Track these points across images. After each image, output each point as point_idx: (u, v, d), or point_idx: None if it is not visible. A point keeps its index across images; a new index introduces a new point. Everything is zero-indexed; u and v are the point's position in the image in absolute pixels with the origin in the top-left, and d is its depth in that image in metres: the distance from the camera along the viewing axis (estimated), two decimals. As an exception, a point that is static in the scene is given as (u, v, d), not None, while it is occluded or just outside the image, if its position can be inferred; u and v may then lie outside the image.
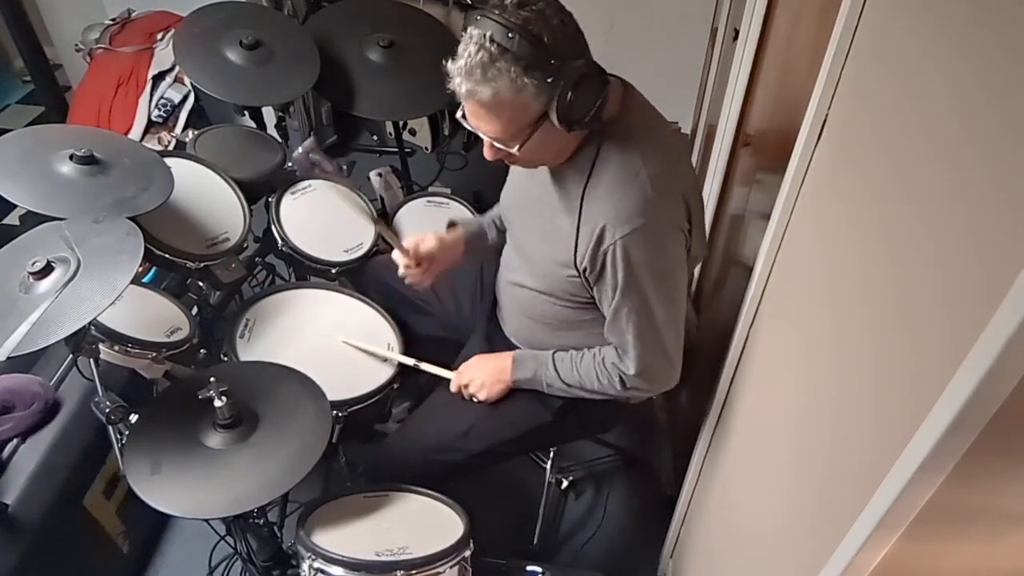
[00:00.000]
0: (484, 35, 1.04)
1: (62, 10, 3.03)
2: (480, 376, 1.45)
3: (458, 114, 1.19)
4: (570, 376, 1.38)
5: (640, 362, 1.28)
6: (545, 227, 1.29)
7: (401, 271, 1.50)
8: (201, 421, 1.21)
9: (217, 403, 1.17)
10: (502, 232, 1.59)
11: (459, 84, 1.09)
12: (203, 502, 1.16)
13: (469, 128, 1.17)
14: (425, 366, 1.53)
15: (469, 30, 1.07)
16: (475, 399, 1.46)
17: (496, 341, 1.55)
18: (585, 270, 1.23)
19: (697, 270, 2.12)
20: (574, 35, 1.11)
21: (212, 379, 1.17)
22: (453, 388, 1.49)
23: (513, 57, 1.04)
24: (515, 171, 1.43)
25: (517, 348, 1.52)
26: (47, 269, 1.13)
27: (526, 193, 1.36)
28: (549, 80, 1.06)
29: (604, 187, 1.18)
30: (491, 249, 1.60)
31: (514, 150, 1.15)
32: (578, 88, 1.07)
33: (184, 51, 1.87)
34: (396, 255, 1.50)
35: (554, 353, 1.40)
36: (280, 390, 1.30)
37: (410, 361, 1.54)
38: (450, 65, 1.10)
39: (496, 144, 1.16)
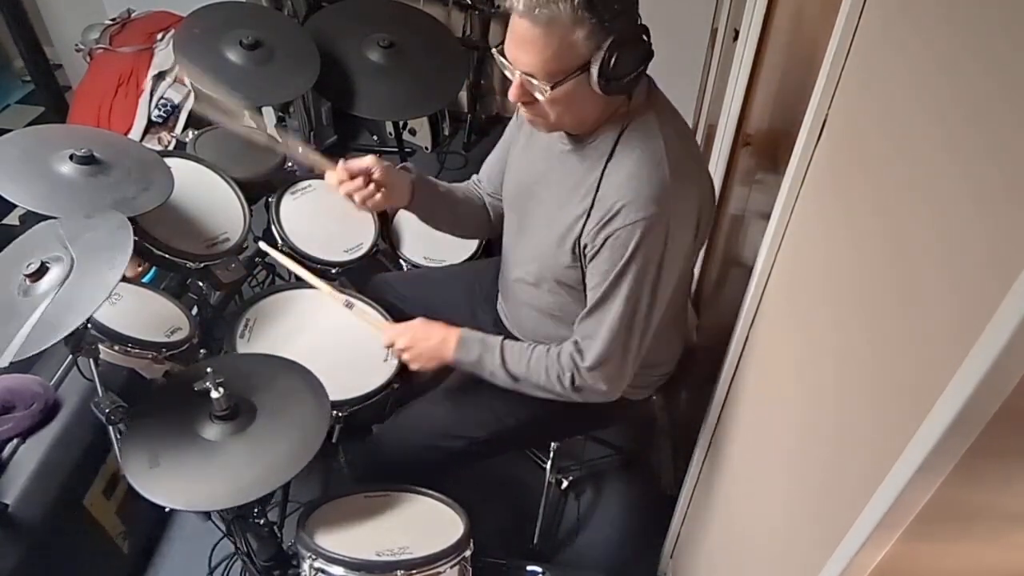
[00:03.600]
0: None
1: (62, 10, 3.03)
2: (419, 345, 1.40)
3: (495, 48, 1.16)
4: (517, 366, 1.32)
5: (602, 355, 1.24)
6: (552, 211, 1.28)
7: (341, 189, 1.41)
8: (199, 413, 1.20)
9: (214, 394, 1.16)
10: (458, 199, 1.56)
11: (517, 1, 1.06)
12: (202, 494, 1.16)
13: (504, 61, 1.13)
14: (359, 305, 1.49)
15: None
16: (403, 360, 1.41)
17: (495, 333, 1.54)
18: (585, 247, 1.22)
19: (697, 270, 2.12)
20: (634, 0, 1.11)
21: (209, 370, 1.17)
22: (384, 342, 1.44)
23: None
24: (524, 159, 1.40)
25: (520, 340, 1.51)
26: (42, 270, 1.13)
27: (537, 179, 1.34)
28: (605, 25, 1.05)
29: (626, 169, 1.17)
30: (441, 200, 1.54)
31: (545, 91, 1.11)
32: (626, 47, 1.07)
33: (184, 51, 1.87)
34: (328, 176, 1.43)
35: (504, 339, 1.36)
36: (277, 381, 1.30)
37: (341, 297, 1.49)
38: None
39: (528, 81, 1.12)
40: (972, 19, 0.64)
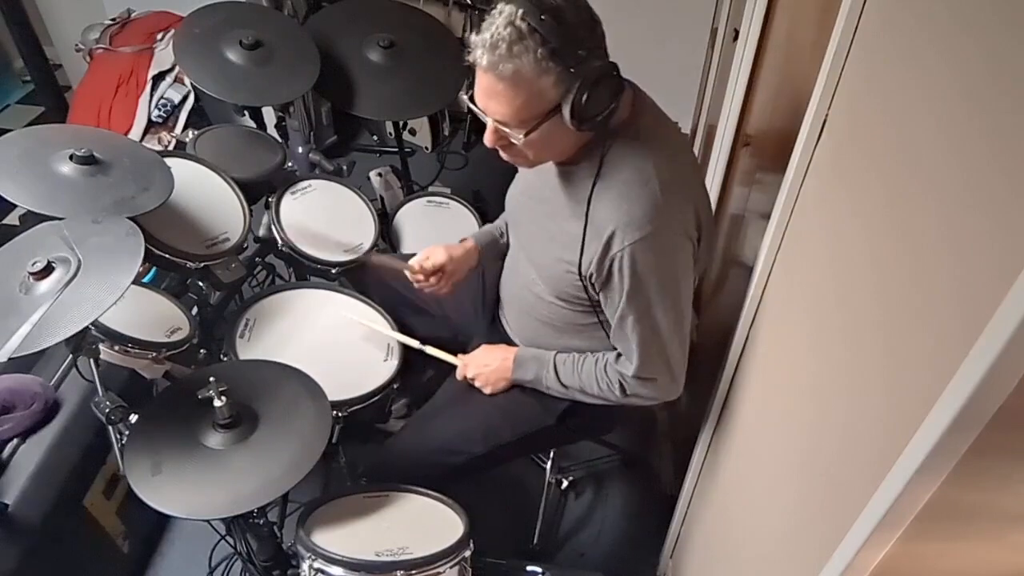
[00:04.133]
0: (516, 12, 1.03)
1: (62, 10, 3.03)
2: (485, 370, 1.45)
3: (466, 96, 1.17)
4: (571, 379, 1.37)
5: (642, 369, 1.28)
6: (550, 228, 1.28)
7: (416, 284, 1.50)
8: (201, 421, 1.21)
9: (217, 403, 1.16)
10: None
11: (480, 56, 1.06)
12: (203, 502, 1.16)
13: (476, 110, 1.14)
14: (431, 350, 1.52)
15: (500, 6, 1.05)
16: (482, 391, 1.46)
17: (499, 342, 1.54)
18: (591, 275, 1.23)
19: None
20: (601, 36, 1.10)
21: (212, 379, 1.17)
22: (459, 376, 1.48)
23: (542, 39, 1.03)
24: (522, 173, 1.42)
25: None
26: (48, 269, 1.13)
27: (532, 194, 1.35)
28: (572, 70, 1.05)
29: (614, 191, 1.17)
30: (504, 253, 1.59)
31: (518, 138, 1.12)
32: (596, 86, 1.07)
33: (184, 51, 1.87)
34: (408, 274, 1.50)
35: (556, 355, 1.40)
36: (280, 390, 1.30)
37: (415, 343, 1.53)
38: (473, 37, 1.07)
39: (501, 129, 1.13)
40: (973, 17, 0.64)
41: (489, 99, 1.11)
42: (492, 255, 1.58)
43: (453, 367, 1.50)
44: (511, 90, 1.07)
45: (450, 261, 1.48)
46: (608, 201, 1.17)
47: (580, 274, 1.24)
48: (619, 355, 1.32)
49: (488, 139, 1.17)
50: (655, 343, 1.25)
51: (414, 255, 1.51)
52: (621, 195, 1.16)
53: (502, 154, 1.21)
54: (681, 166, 1.23)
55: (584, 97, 1.06)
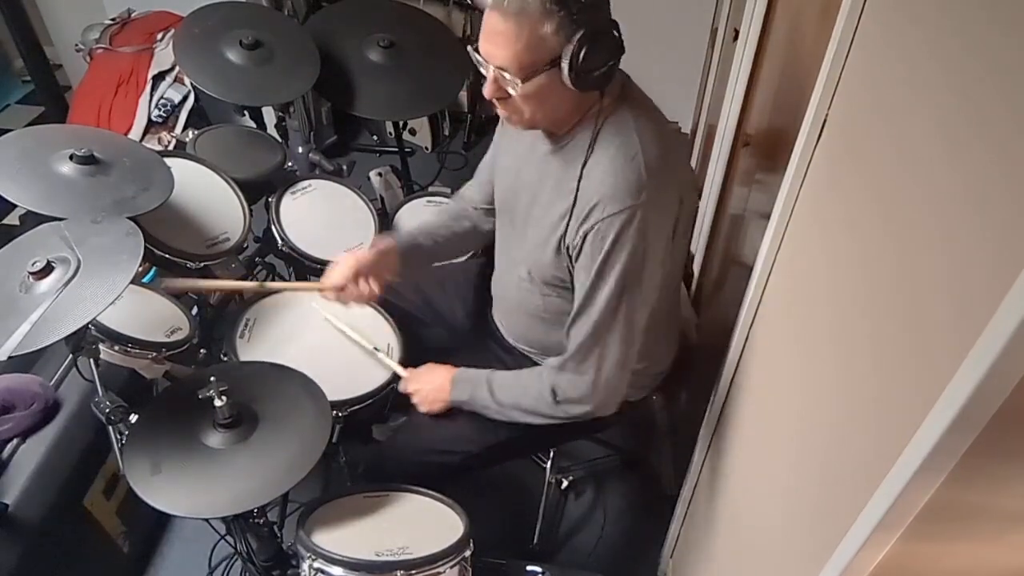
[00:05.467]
0: None
1: (62, 10, 3.03)
2: (424, 388, 1.44)
3: (470, 47, 1.17)
4: (506, 394, 1.35)
5: (575, 358, 1.26)
6: (539, 213, 1.28)
7: (334, 299, 1.40)
8: (201, 421, 1.21)
9: (217, 403, 1.17)
10: (446, 238, 1.54)
11: None
12: (204, 502, 1.16)
13: (478, 59, 1.15)
14: (383, 357, 1.51)
15: None
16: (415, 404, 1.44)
17: (491, 342, 1.54)
18: (568, 247, 1.22)
19: (697, 270, 2.12)
20: None
21: (212, 379, 1.17)
22: (401, 389, 1.47)
23: None
24: (509, 161, 1.40)
25: (514, 347, 1.52)
26: (47, 269, 1.13)
27: (524, 180, 1.34)
28: (575, 17, 1.06)
29: (602, 166, 1.17)
30: (429, 255, 1.54)
31: (516, 85, 1.12)
32: (596, 41, 1.07)
33: (184, 51, 1.87)
34: (318, 298, 1.45)
35: (492, 372, 1.38)
36: (280, 390, 1.30)
37: (368, 345, 1.51)
38: None
39: (500, 76, 1.13)
40: (972, 18, 0.64)
41: (492, 41, 1.12)
42: (413, 261, 1.49)
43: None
44: (514, 30, 1.08)
45: (358, 265, 1.37)
46: (596, 175, 1.18)
47: (565, 246, 1.23)
48: (557, 359, 1.30)
49: (487, 90, 1.18)
50: (603, 329, 1.23)
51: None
52: (607, 170, 1.17)
53: (499, 110, 1.22)
54: (667, 149, 1.23)
55: (583, 50, 1.07)
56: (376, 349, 1.52)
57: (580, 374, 1.27)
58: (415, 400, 1.44)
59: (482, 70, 1.17)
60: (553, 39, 1.08)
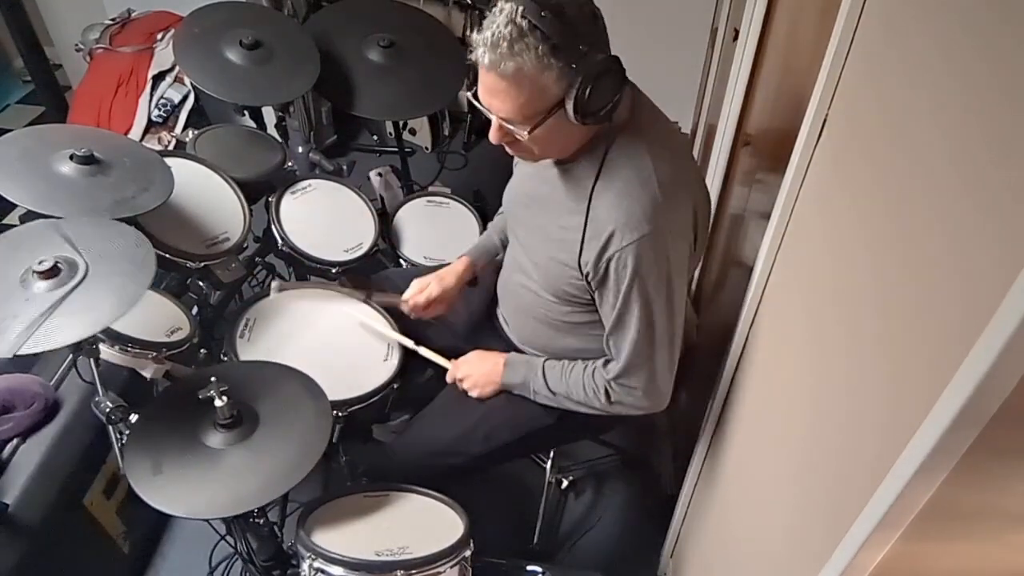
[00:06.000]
0: (516, 9, 1.03)
1: (62, 10, 3.03)
2: (474, 373, 1.45)
3: (469, 93, 1.17)
4: (558, 385, 1.37)
5: (627, 371, 1.28)
6: (549, 227, 1.28)
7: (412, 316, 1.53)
8: (202, 421, 1.21)
9: (217, 403, 1.17)
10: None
11: (482, 55, 1.06)
12: (204, 502, 1.16)
13: (481, 107, 1.15)
14: (424, 351, 1.53)
15: (500, 4, 1.05)
16: (468, 394, 1.47)
17: (497, 343, 1.54)
18: (588, 274, 1.22)
19: (697, 270, 2.12)
20: (602, 30, 1.11)
21: (212, 379, 1.17)
22: (448, 379, 1.49)
23: (543, 35, 1.03)
24: (520, 170, 1.42)
25: (521, 350, 1.52)
26: (54, 270, 1.13)
27: (531, 192, 1.35)
28: (573, 66, 1.05)
29: (614, 191, 1.17)
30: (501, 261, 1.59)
31: (523, 135, 1.12)
32: (599, 81, 1.07)
33: (184, 51, 1.87)
34: (403, 308, 1.53)
35: (545, 360, 1.40)
36: (280, 390, 1.30)
37: (410, 343, 1.54)
38: (475, 35, 1.07)
39: (505, 126, 1.14)
40: (973, 17, 0.64)
41: (492, 97, 1.11)
42: (489, 268, 1.59)
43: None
44: (514, 88, 1.08)
45: (443, 292, 1.51)
46: (608, 200, 1.17)
47: (580, 271, 1.24)
48: (607, 361, 1.31)
49: (493, 136, 1.18)
50: (646, 347, 1.25)
51: (412, 268, 1.50)
52: (621, 193, 1.16)
53: (508, 149, 1.21)
54: (680, 167, 1.23)
55: (587, 92, 1.06)
56: (416, 346, 1.54)
57: (631, 387, 1.30)
58: (466, 385, 1.46)
59: (485, 114, 1.16)
60: (555, 87, 1.08)
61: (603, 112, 1.11)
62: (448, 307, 1.54)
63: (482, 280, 1.66)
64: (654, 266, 1.17)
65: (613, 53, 1.11)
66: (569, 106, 1.08)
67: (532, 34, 1.03)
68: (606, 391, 1.31)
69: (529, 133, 1.12)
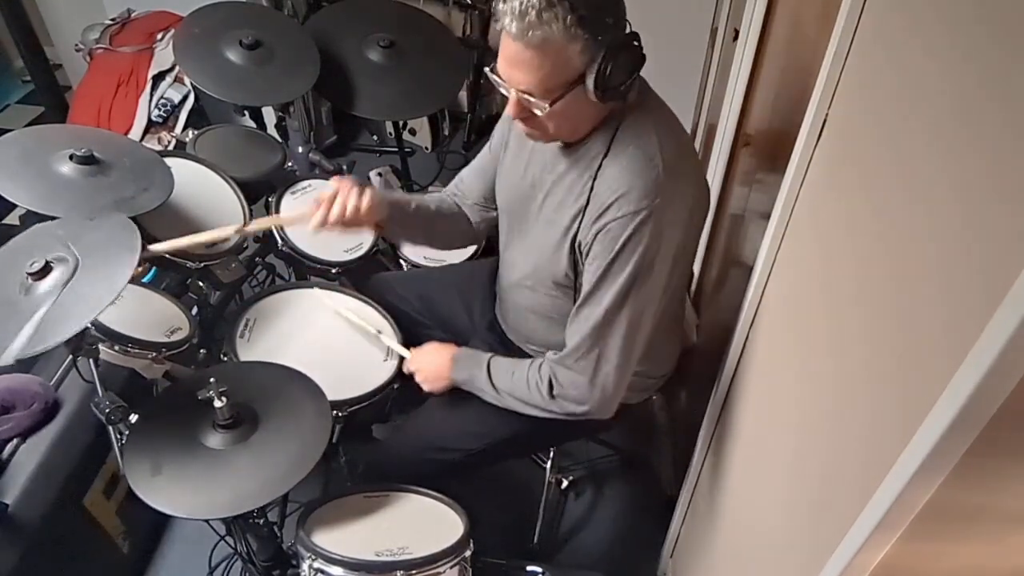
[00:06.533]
0: None
1: (62, 10, 3.03)
2: (425, 367, 1.43)
3: (488, 69, 1.16)
4: (503, 381, 1.34)
5: (577, 353, 1.24)
6: (549, 213, 1.28)
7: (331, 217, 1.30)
8: (201, 421, 1.21)
9: (217, 403, 1.16)
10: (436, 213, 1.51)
11: (509, 23, 1.05)
12: (204, 503, 1.16)
13: (499, 82, 1.14)
14: (386, 339, 1.51)
15: None
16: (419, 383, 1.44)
17: (495, 344, 1.54)
18: (580, 244, 1.22)
19: (697, 270, 2.12)
20: (623, 5, 1.11)
21: (212, 379, 1.17)
22: (404, 369, 1.47)
23: (571, 5, 1.02)
24: (516, 161, 1.39)
25: (519, 348, 1.52)
26: (46, 269, 1.13)
27: (532, 181, 1.33)
28: (599, 39, 1.05)
29: (619, 166, 1.17)
30: (414, 216, 1.47)
31: (543, 107, 1.11)
32: (620, 56, 1.07)
33: (184, 51, 1.87)
34: (310, 223, 1.31)
35: (492, 356, 1.37)
36: (280, 390, 1.30)
37: (372, 329, 1.52)
38: (500, 5, 1.06)
39: (524, 99, 1.12)
40: (970, 20, 0.64)
41: (515, 68, 1.10)
42: (398, 208, 1.42)
43: None
44: (539, 58, 1.07)
45: (344, 182, 1.31)
46: (612, 174, 1.17)
47: (575, 244, 1.22)
48: (555, 354, 1.29)
49: (511, 110, 1.16)
50: (605, 328, 1.22)
51: (412, 269, 1.46)
52: (625, 168, 1.16)
53: (522, 127, 1.20)
54: (685, 155, 1.23)
55: (609, 67, 1.06)
56: (379, 332, 1.52)
57: (578, 372, 1.26)
58: (418, 379, 1.44)
59: (503, 91, 1.15)
60: (578, 59, 1.07)
61: (621, 88, 1.11)
62: (358, 207, 1.30)
63: (482, 281, 1.66)
64: (642, 243, 1.16)
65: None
66: (590, 81, 1.07)
67: (560, 4, 1.02)
68: (550, 381, 1.28)
69: (549, 106, 1.11)
